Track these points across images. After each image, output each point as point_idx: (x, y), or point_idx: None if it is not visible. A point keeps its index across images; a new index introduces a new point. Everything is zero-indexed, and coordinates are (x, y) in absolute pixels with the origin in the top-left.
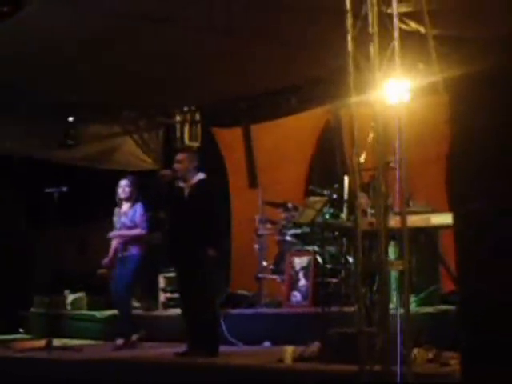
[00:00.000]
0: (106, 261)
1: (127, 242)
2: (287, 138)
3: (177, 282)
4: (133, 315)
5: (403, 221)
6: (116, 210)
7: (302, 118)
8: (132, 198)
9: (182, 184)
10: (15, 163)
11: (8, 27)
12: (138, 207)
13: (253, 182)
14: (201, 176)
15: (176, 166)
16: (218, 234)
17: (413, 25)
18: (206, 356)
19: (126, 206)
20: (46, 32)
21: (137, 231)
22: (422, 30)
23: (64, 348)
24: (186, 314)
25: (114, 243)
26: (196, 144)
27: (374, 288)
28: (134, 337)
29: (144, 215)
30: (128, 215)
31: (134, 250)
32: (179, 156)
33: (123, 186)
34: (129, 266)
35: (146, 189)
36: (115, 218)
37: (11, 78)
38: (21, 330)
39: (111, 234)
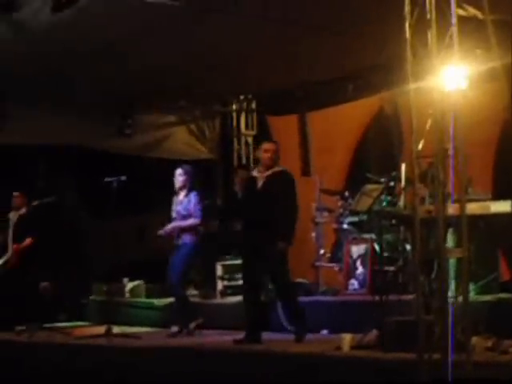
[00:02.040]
0: (163, 230)
1: (182, 230)
2: (339, 125)
3: (244, 269)
4: (190, 303)
5: (462, 208)
6: (174, 198)
7: (354, 105)
8: (186, 187)
9: (256, 173)
10: (74, 153)
11: (66, 17)
12: (193, 196)
13: (306, 169)
14: (278, 167)
15: (263, 155)
16: (292, 225)
17: (471, 10)
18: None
19: (181, 195)
20: (101, 22)
21: (190, 221)
22: (480, 15)
23: (123, 335)
24: (250, 301)
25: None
26: (252, 132)
27: (433, 276)
28: (192, 324)
29: (198, 204)
30: (183, 204)
31: (186, 239)
32: (267, 146)
33: (177, 176)
34: (181, 254)
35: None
36: (173, 207)
37: (69, 69)
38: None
39: (164, 229)
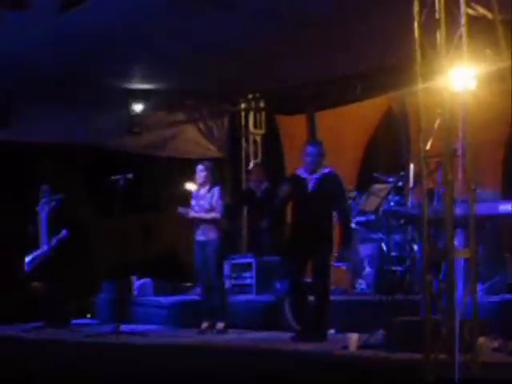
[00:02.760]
0: (184, 209)
1: (205, 226)
2: (347, 124)
3: (293, 269)
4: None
5: (470, 209)
6: (194, 193)
7: (363, 105)
8: (208, 182)
9: (305, 175)
10: (82, 151)
11: (75, 13)
12: (216, 191)
13: None
14: (327, 170)
15: (308, 159)
16: (343, 227)
17: (480, 10)
18: (315, 340)
19: (203, 191)
20: (110, 18)
21: (212, 215)
22: (490, 15)
23: (131, 333)
24: (298, 300)
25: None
26: (261, 131)
27: (440, 276)
28: (221, 324)
29: (221, 199)
30: (206, 198)
31: (212, 235)
32: (308, 148)
33: (199, 171)
34: (211, 251)
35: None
36: (193, 202)
37: (78, 66)
38: (88, 316)
39: (190, 214)
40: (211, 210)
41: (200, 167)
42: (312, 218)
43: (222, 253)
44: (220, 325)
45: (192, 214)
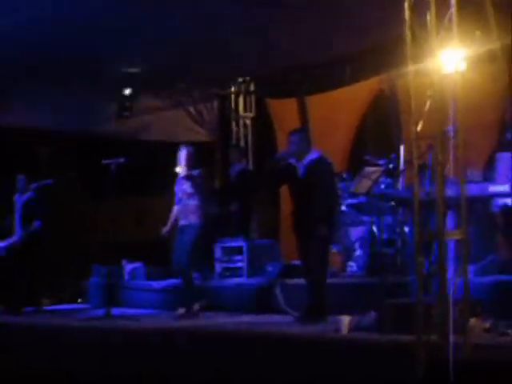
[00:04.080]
0: (166, 230)
1: (187, 210)
2: (338, 107)
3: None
4: (196, 285)
5: (462, 190)
6: (177, 179)
7: (354, 88)
8: (190, 166)
9: (295, 163)
10: (74, 136)
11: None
12: (196, 174)
13: None
14: (314, 155)
15: (290, 147)
16: (329, 211)
17: None
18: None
19: (185, 174)
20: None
21: (195, 201)
22: None
23: (123, 317)
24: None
25: (174, 212)
26: (250, 115)
27: (431, 258)
28: (196, 306)
29: (202, 183)
30: (187, 182)
31: (192, 220)
32: (291, 137)
33: (181, 156)
34: (188, 235)
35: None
36: (177, 187)
37: (67, 52)
38: (79, 300)
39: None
40: (194, 193)
41: (182, 151)
42: (306, 204)
43: (199, 242)
44: (196, 306)
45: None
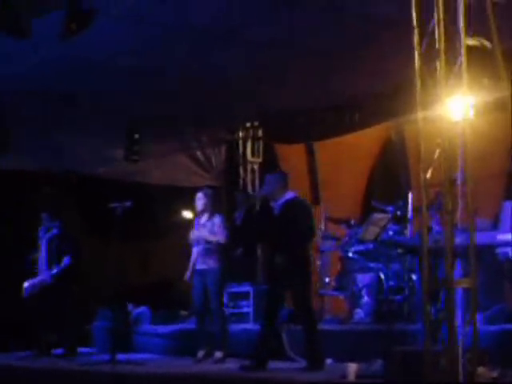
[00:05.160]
0: (188, 275)
1: (206, 254)
2: (346, 153)
3: (267, 298)
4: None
5: (471, 238)
6: (195, 221)
7: (361, 135)
8: (208, 210)
9: (272, 204)
10: (78, 179)
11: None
12: (217, 218)
13: (316, 198)
14: (289, 195)
15: (265, 187)
16: (304, 251)
17: (480, 40)
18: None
19: (204, 218)
20: (109, 46)
21: (217, 237)
22: (489, 44)
23: (127, 362)
24: (267, 328)
25: (194, 256)
26: (258, 160)
27: (439, 306)
28: (218, 354)
29: (223, 226)
30: (206, 227)
31: (212, 263)
32: (267, 178)
33: (198, 199)
34: (211, 279)
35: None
36: (194, 231)
37: (75, 93)
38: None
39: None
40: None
41: (199, 195)
42: (282, 245)
43: (222, 281)
44: (218, 354)
45: (192, 235)
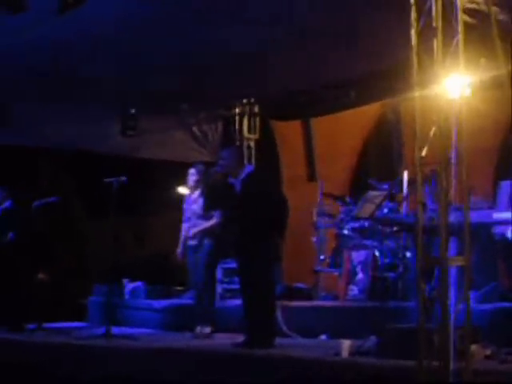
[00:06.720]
0: (179, 251)
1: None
2: (341, 130)
3: (238, 273)
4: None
5: (465, 216)
6: (186, 197)
7: (357, 112)
8: (200, 186)
9: (232, 180)
10: (74, 154)
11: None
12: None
13: (312, 174)
14: (249, 169)
15: (221, 162)
16: (267, 225)
17: (480, 6)
18: (262, 347)
19: (195, 195)
20: (107, 20)
21: (212, 222)
22: (487, 9)
23: (122, 336)
24: (244, 304)
25: (183, 232)
26: (255, 136)
27: (433, 283)
28: (208, 329)
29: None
30: (198, 203)
31: (205, 240)
32: (222, 153)
33: (191, 175)
34: (202, 255)
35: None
36: (185, 206)
37: (73, 68)
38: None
39: (191, 232)
40: (203, 214)
41: (192, 171)
42: (244, 220)
43: (213, 257)
44: (206, 329)
45: (191, 232)
